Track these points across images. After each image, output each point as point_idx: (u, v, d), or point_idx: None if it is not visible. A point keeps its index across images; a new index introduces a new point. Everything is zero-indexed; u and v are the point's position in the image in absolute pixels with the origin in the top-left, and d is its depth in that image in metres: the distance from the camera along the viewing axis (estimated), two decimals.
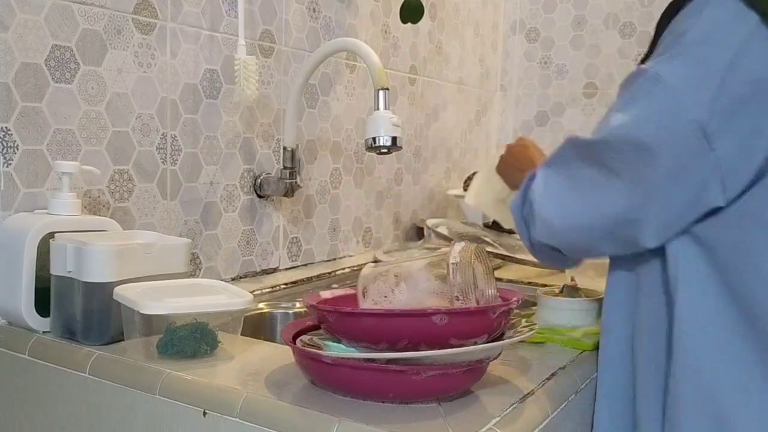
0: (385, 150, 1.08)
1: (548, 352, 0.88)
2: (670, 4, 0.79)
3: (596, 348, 0.91)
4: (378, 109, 1.08)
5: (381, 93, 1.08)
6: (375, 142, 1.07)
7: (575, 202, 0.80)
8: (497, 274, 1.40)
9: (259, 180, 1.28)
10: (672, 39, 0.74)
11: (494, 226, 1.64)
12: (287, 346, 0.74)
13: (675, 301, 0.76)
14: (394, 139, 1.07)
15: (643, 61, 0.82)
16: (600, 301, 1.00)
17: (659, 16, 0.81)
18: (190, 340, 0.79)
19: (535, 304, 1.17)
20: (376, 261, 1.48)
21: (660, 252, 0.78)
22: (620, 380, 0.85)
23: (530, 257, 1.42)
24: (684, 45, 0.72)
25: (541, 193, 0.83)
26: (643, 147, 0.72)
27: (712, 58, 0.70)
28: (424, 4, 1.48)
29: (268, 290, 1.22)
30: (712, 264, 0.75)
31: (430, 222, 1.61)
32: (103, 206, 1.03)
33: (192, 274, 1.15)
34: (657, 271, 0.80)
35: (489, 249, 1.42)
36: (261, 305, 1.17)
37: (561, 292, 1.02)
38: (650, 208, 0.74)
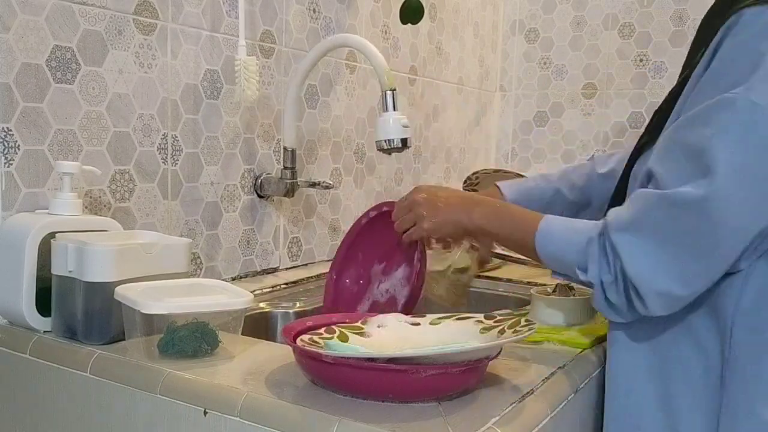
0: (397, 150, 1.10)
1: (548, 351, 0.88)
2: (712, 17, 0.78)
3: (593, 346, 0.91)
4: (387, 110, 1.10)
5: (389, 94, 1.10)
6: (388, 144, 1.10)
7: (689, 268, 0.75)
8: (496, 274, 1.40)
9: (260, 180, 1.28)
10: (750, 61, 0.71)
11: None
12: (288, 346, 0.74)
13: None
14: (404, 140, 1.10)
15: (684, 80, 0.81)
16: None
17: (699, 26, 0.81)
18: (190, 339, 0.79)
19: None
20: None
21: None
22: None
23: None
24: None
25: (642, 268, 0.76)
26: (751, 181, 0.71)
27: None
28: (424, 5, 1.49)
29: (268, 290, 1.23)
30: None
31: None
32: (104, 206, 1.03)
33: (193, 274, 1.15)
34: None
35: None
36: (261, 305, 1.17)
37: (554, 291, 1.02)
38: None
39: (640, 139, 0.91)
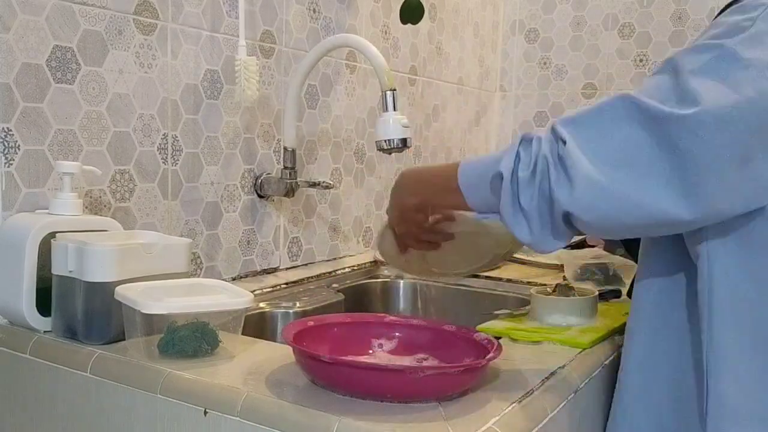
0: (397, 150, 1.10)
1: (547, 351, 0.89)
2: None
3: (593, 345, 0.91)
4: (387, 110, 1.10)
5: (389, 94, 1.10)
6: (388, 144, 1.10)
7: (633, 174, 0.69)
8: (496, 274, 1.40)
9: (260, 180, 1.28)
10: (740, 22, 0.72)
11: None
12: (288, 346, 0.74)
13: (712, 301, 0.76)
14: (404, 140, 1.10)
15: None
16: (593, 298, 1.01)
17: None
18: (191, 339, 0.79)
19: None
20: (376, 261, 1.49)
21: (690, 248, 0.77)
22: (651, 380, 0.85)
23: (529, 257, 1.43)
24: (756, 30, 0.71)
25: (584, 152, 0.70)
26: (727, 124, 0.68)
27: None
28: (424, 5, 1.49)
29: (268, 290, 1.23)
30: (744, 259, 0.75)
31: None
32: (105, 206, 1.03)
33: (193, 274, 1.15)
34: (688, 271, 0.79)
35: None
36: (261, 305, 1.17)
37: (554, 291, 1.02)
38: (713, 205, 0.70)
39: None
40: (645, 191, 0.69)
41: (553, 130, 0.74)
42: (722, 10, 0.78)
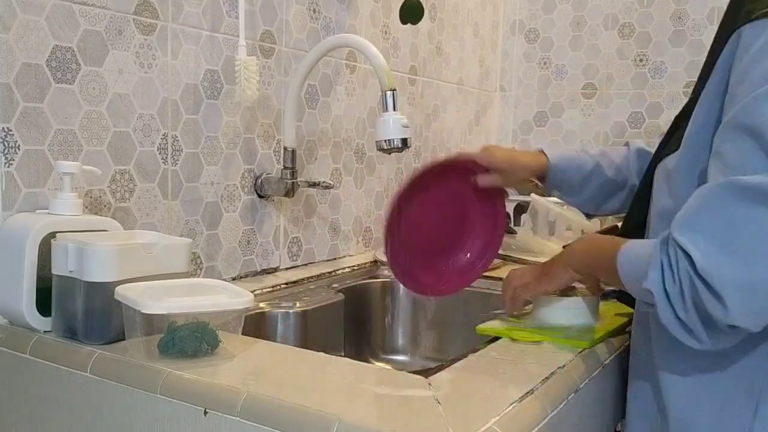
0: (397, 150, 1.10)
1: (547, 351, 0.89)
2: (732, 16, 0.77)
3: (593, 345, 0.91)
4: (387, 110, 1.10)
5: (389, 94, 1.11)
6: (388, 144, 1.10)
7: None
8: (496, 274, 1.40)
9: (260, 180, 1.28)
10: None
11: None
12: (288, 346, 0.74)
13: None
14: (404, 140, 1.10)
15: (698, 89, 0.80)
16: (593, 298, 1.01)
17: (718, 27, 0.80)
18: (191, 339, 0.79)
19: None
20: (376, 261, 1.49)
21: None
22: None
23: (530, 257, 1.44)
24: None
25: (717, 261, 0.68)
26: None
27: None
28: (423, 5, 1.49)
29: (268, 290, 1.23)
30: None
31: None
32: (105, 206, 1.03)
33: (193, 274, 1.15)
34: None
35: None
36: (261, 305, 1.17)
37: (555, 290, 1.02)
38: None
39: (658, 149, 0.89)
40: None
41: (676, 242, 0.71)
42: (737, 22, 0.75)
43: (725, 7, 0.83)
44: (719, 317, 0.69)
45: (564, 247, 1.38)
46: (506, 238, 1.53)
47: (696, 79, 0.86)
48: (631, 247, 0.80)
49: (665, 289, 0.72)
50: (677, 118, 0.88)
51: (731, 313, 0.68)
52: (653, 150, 0.96)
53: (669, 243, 0.72)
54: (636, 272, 0.76)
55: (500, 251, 1.43)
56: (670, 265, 0.71)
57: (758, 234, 0.67)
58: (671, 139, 0.86)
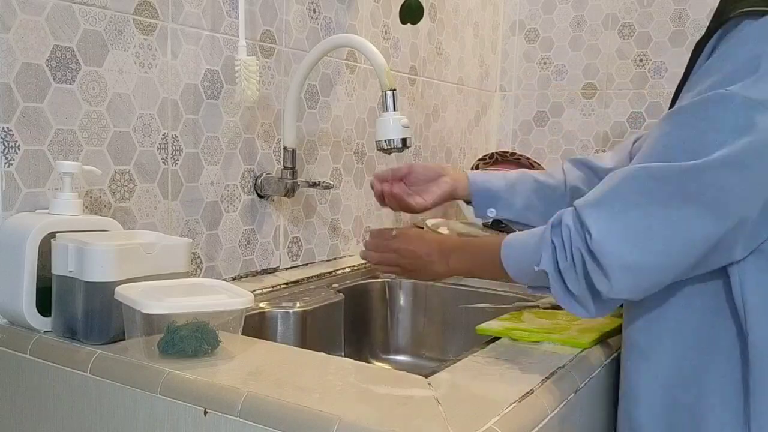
0: (397, 150, 1.11)
1: (547, 351, 0.89)
2: (711, 22, 0.80)
3: (593, 345, 0.91)
4: (387, 110, 1.10)
5: (389, 94, 1.11)
6: (388, 144, 1.10)
7: (661, 241, 0.72)
8: None
9: (260, 180, 1.28)
10: (747, 62, 0.73)
11: (493, 226, 1.64)
12: (288, 346, 0.74)
13: (747, 318, 0.77)
14: (404, 140, 1.10)
15: (681, 84, 0.83)
16: None
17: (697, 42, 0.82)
18: (191, 339, 0.79)
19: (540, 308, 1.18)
20: None
21: (720, 272, 0.78)
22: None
23: None
24: (765, 70, 0.72)
25: (610, 240, 0.73)
26: (744, 168, 0.71)
27: None
28: (423, 5, 1.49)
29: (268, 290, 1.23)
30: None
31: (430, 222, 1.61)
32: (105, 206, 1.03)
33: (193, 274, 1.15)
34: (719, 291, 0.79)
35: None
36: (261, 305, 1.17)
37: None
38: (742, 227, 0.73)
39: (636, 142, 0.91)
40: (672, 253, 0.73)
41: (579, 217, 0.77)
42: (705, 36, 0.80)
43: None
44: (603, 291, 0.76)
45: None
46: None
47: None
48: (513, 238, 0.88)
49: (558, 267, 0.78)
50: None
51: (614, 290, 0.74)
52: (585, 156, 1.06)
53: (561, 225, 0.78)
54: (525, 260, 0.83)
55: None
56: (563, 244, 0.78)
57: (654, 222, 0.72)
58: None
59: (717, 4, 0.83)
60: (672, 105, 0.84)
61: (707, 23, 0.83)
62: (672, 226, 0.72)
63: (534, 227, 1.09)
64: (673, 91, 0.86)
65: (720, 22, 0.77)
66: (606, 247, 0.73)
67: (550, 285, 0.80)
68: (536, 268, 0.80)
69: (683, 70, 0.85)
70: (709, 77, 0.75)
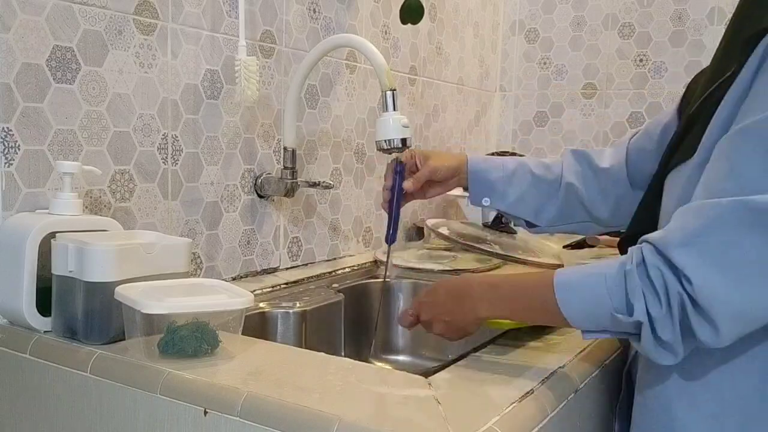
0: (397, 150, 1.11)
1: (547, 351, 0.89)
2: (753, 20, 0.72)
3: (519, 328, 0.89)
4: (387, 110, 1.10)
5: (389, 94, 1.11)
6: (388, 144, 1.10)
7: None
8: (496, 273, 1.40)
9: (260, 180, 1.28)
10: None
11: (494, 226, 1.64)
12: (288, 346, 0.74)
13: None
14: (404, 140, 1.10)
15: (721, 85, 0.74)
16: None
17: (728, 28, 0.77)
18: (191, 339, 0.79)
19: None
20: (376, 261, 1.49)
21: None
22: None
23: (530, 257, 1.44)
24: None
25: (717, 287, 0.65)
26: None
27: None
28: (424, 5, 1.49)
29: (268, 290, 1.23)
30: None
31: (430, 222, 1.61)
32: (105, 206, 1.03)
33: (193, 274, 1.15)
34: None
35: (488, 249, 1.43)
36: (261, 305, 1.17)
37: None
38: None
39: (669, 153, 0.84)
40: None
41: (668, 260, 0.68)
42: (747, 42, 0.71)
43: (725, 8, 0.80)
44: (708, 341, 0.68)
45: (564, 247, 1.35)
46: (507, 238, 1.54)
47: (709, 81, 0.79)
48: (568, 278, 0.76)
49: (650, 315, 0.69)
50: (687, 120, 0.81)
51: (722, 338, 0.67)
52: (587, 150, 1.01)
53: (648, 265, 0.69)
54: (597, 302, 0.73)
55: (500, 251, 1.43)
56: (655, 289, 0.69)
57: (759, 260, 0.65)
58: (681, 144, 0.81)
59: (737, 5, 0.78)
60: (707, 108, 0.76)
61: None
62: None
63: (524, 219, 1.08)
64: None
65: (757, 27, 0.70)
66: (713, 296, 0.65)
67: (642, 335, 0.70)
68: (620, 317, 0.70)
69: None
70: None
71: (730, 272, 0.65)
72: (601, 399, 0.91)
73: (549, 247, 1.47)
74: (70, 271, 0.83)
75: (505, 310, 0.83)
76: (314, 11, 1.39)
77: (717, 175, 0.69)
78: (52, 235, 0.86)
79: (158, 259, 0.87)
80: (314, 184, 1.28)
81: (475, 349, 0.89)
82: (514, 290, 0.83)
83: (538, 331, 0.95)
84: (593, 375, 0.87)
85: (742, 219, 0.65)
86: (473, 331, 0.88)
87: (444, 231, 1.53)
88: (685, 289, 0.67)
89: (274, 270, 1.34)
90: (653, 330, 0.69)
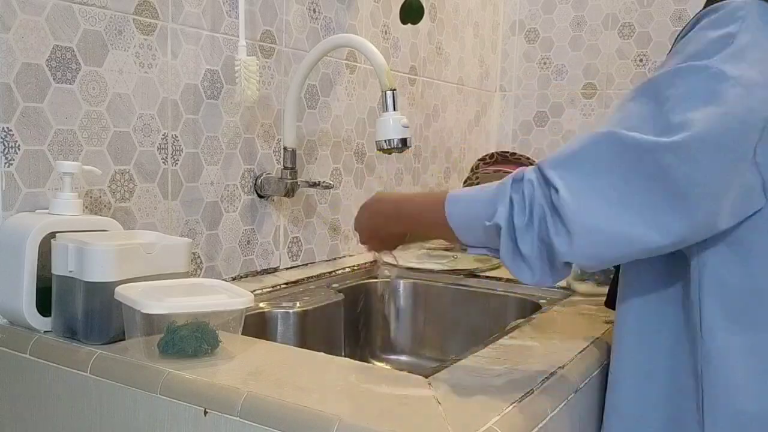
0: (397, 151, 1.11)
1: (547, 351, 0.89)
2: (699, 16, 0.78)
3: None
4: (387, 110, 1.10)
5: (389, 94, 1.11)
6: (388, 144, 1.10)
7: (631, 212, 0.69)
8: (496, 273, 1.40)
9: (260, 180, 1.28)
10: (720, 39, 0.72)
11: None
12: (288, 346, 0.74)
13: (702, 304, 0.77)
14: (404, 140, 1.11)
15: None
16: None
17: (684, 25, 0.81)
18: (191, 339, 0.79)
19: (540, 307, 1.19)
20: (375, 261, 1.49)
21: (681, 257, 0.78)
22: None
23: None
24: (738, 46, 0.71)
25: (582, 206, 0.70)
26: (721, 146, 0.68)
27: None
28: (424, 5, 1.49)
29: (268, 290, 1.23)
30: (741, 265, 0.75)
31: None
32: (105, 206, 1.03)
33: (193, 274, 1.15)
34: (679, 277, 0.79)
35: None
36: (261, 305, 1.17)
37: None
38: (715, 202, 0.70)
39: None
40: (644, 225, 0.69)
41: (543, 175, 0.73)
42: (688, 26, 0.78)
43: None
44: (561, 251, 0.71)
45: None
46: None
47: None
48: (460, 192, 0.83)
49: (513, 223, 0.74)
50: None
51: (574, 250, 0.71)
52: None
53: (524, 179, 0.74)
54: (474, 214, 0.79)
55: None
56: (523, 199, 0.74)
57: (623, 189, 0.69)
58: None
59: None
60: None
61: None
62: (642, 200, 0.69)
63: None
64: None
65: (701, 11, 0.77)
66: (573, 204, 0.70)
67: (501, 242, 0.75)
68: (487, 223, 0.76)
69: None
70: (684, 52, 0.74)
71: (592, 190, 0.70)
72: (602, 399, 0.91)
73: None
74: (70, 271, 0.83)
75: (409, 226, 0.94)
76: (314, 11, 1.39)
77: (609, 116, 0.76)
78: (52, 235, 0.86)
79: (158, 259, 0.87)
80: (314, 184, 1.28)
81: (475, 349, 0.89)
82: (415, 207, 0.91)
83: (539, 329, 0.95)
84: (593, 375, 0.87)
85: (611, 147, 0.70)
86: (395, 244, 1.03)
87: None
88: (551, 200, 0.72)
89: (274, 270, 1.34)
90: (515, 240, 0.74)
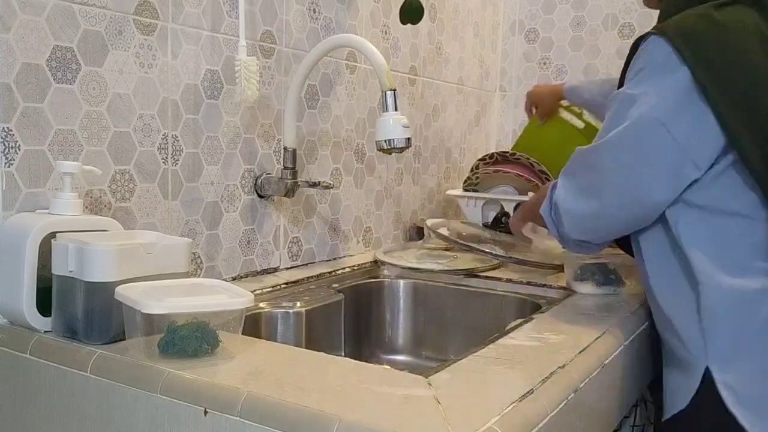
0: (397, 151, 1.11)
1: (547, 351, 0.89)
2: (632, 47, 1.06)
3: None
4: (387, 110, 1.10)
5: (389, 94, 1.11)
6: (388, 144, 1.10)
7: (590, 197, 1.04)
8: (496, 273, 1.40)
9: (260, 180, 1.28)
10: (636, 71, 1.01)
11: (493, 226, 1.64)
12: (288, 346, 0.74)
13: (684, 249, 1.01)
14: (404, 140, 1.11)
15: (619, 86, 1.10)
16: None
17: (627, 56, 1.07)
18: (191, 339, 0.79)
19: (540, 307, 1.19)
20: (376, 261, 1.49)
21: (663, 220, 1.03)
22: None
23: (529, 257, 1.44)
24: (644, 75, 1.00)
25: (563, 197, 1.08)
26: (628, 146, 0.99)
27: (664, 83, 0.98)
28: (424, 5, 1.49)
29: (268, 290, 1.23)
30: (702, 217, 0.99)
31: (430, 222, 1.61)
32: (105, 206, 1.03)
33: (193, 274, 1.16)
34: (663, 232, 1.05)
35: (487, 249, 1.43)
36: (262, 305, 1.17)
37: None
38: (639, 183, 1.00)
39: None
40: (606, 205, 1.03)
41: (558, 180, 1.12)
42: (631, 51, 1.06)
43: None
44: (562, 231, 1.10)
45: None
46: (506, 237, 1.54)
47: None
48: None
49: (549, 214, 1.12)
50: None
51: (565, 229, 1.09)
52: None
53: (552, 184, 1.13)
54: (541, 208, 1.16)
55: (499, 252, 1.43)
56: (550, 198, 1.11)
57: (591, 183, 1.04)
58: None
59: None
60: None
61: None
62: (593, 186, 1.04)
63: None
64: None
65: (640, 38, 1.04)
66: (558, 198, 1.09)
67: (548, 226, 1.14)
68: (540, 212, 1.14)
69: None
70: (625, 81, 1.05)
71: (568, 187, 1.08)
72: (601, 398, 0.91)
73: (549, 247, 1.48)
74: (71, 271, 0.83)
75: (527, 219, 1.28)
76: (314, 11, 1.39)
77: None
78: (53, 235, 0.86)
79: (158, 259, 0.87)
80: (314, 184, 1.29)
81: (475, 349, 0.89)
82: (532, 206, 1.24)
83: (539, 329, 0.95)
84: (593, 375, 0.87)
85: (584, 156, 1.07)
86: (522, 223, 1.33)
87: (444, 231, 1.53)
88: (554, 197, 1.10)
89: (275, 270, 1.34)
90: (553, 225, 1.13)
